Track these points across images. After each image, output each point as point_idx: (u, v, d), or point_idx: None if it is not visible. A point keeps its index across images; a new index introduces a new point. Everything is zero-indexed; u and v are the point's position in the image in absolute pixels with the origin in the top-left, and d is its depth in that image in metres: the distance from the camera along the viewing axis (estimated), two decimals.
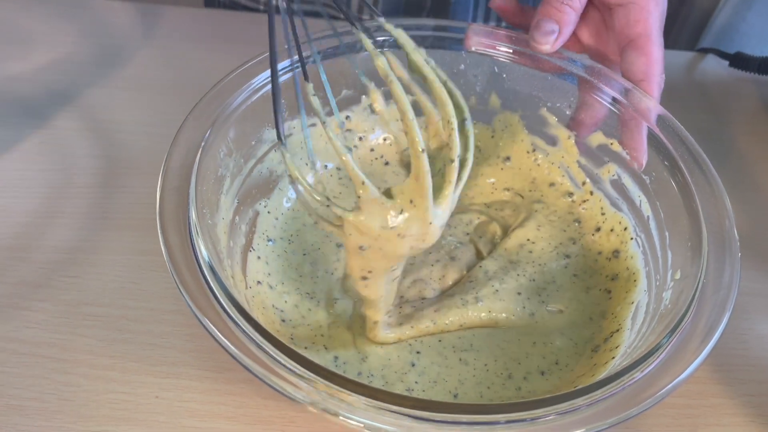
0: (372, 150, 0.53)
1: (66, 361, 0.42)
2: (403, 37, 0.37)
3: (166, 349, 0.43)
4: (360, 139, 0.53)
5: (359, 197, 0.35)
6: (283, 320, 0.43)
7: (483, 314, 0.44)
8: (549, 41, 0.47)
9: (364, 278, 0.39)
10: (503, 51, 0.50)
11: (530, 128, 0.53)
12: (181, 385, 0.41)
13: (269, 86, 0.46)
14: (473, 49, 0.50)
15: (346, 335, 0.43)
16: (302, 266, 0.46)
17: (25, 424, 0.39)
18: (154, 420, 0.40)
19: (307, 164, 0.50)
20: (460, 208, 0.51)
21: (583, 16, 0.49)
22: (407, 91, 0.36)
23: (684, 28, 1.06)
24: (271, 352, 0.33)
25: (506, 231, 0.50)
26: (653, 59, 0.47)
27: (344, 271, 0.46)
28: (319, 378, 0.32)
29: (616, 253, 0.47)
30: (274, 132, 0.48)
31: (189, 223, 0.38)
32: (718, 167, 0.44)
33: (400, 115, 0.35)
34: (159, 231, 0.37)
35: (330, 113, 0.44)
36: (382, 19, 0.38)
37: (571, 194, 0.52)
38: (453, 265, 0.47)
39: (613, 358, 0.40)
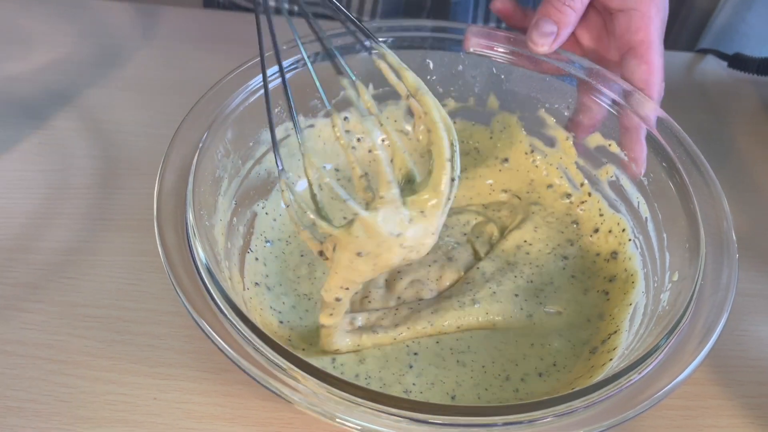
0: (370, 151, 0.53)
1: (64, 363, 0.42)
2: (410, 78, 0.38)
3: (164, 350, 0.43)
4: (358, 140, 0.53)
5: (382, 197, 0.34)
6: (281, 322, 0.43)
7: (480, 316, 0.44)
8: (547, 42, 0.46)
9: (338, 299, 0.38)
10: (502, 52, 0.50)
11: (528, 129, 0.53)
12: (179, 386, 0.41)
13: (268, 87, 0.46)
14: (472, 50, 0.50)
15: None
16: (300, 268, 0.46)
17: (23, 426, 0.39)
18: (151, 422, 0.40)
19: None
20: (458, 209, 0.51)
21: (584, 19, 0.49)
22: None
23: (683, 29, 1.06)
24: (269, 354, 0.33)
25: (503, 232, 0.50)
26: (654, 67, 0.46)
27: None
28: (316, 380, 0.32)
29: (614, 254, 0.47)
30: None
31: (186, 225, 0.38)
32: (716, 168, 0.44)
33: (429, 126, 0.36)
34: (156, 233, 0.37)
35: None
36: (390, 54, 0.39)
37: (569, 195, 0.52)
38: (450, 265, 0.47)
39: (611, 359, 0.40)
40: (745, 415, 0.43)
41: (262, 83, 0.45)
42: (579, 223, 0.50)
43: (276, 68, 0.45)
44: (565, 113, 0.51)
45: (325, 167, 0.52)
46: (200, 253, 0.36)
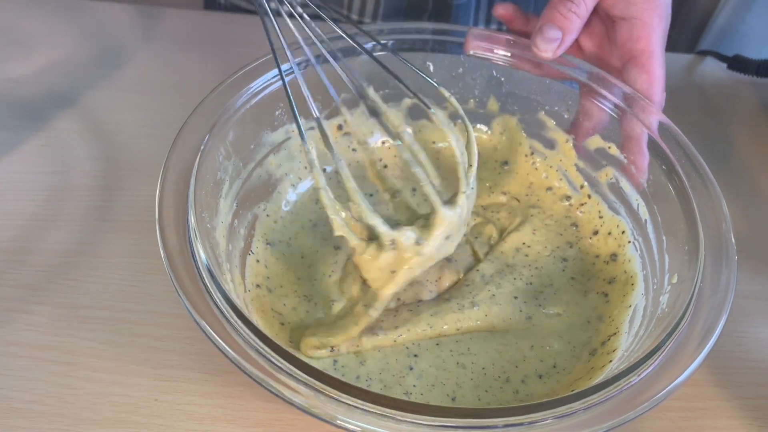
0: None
1: (66, 364, 0.42)
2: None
3: (165, 352, 0.43)
4: (359, 141, 0.53)
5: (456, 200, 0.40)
6: (282, 323, 0.43)
7: (480, 318, 0.44)
8: (551, 48, 0.46)
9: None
10: (502, 55, 0.50)
11: (528, 132, 0.53)
12: (181, 388, 0.42)
13: (269, 89, 0.46)
14: (472, 52, 0.50)
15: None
16: (300, 269, 0.46)
17: (26, 427, 0.39)
18: (153, 423, 0.40)
19: (306, 168, 0.50)
20: None
21: (587, 25, 0.49)
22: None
23: (683, 30, 1.06)
24: (270, 356, 0.33)
25: (502, 233, 0.50)
26: (655, 77, 0.46)
27: (341, 274, 0.46)
28: (317, 382, 0.32)
29: (613, 256, 0.48)
30: (273, 135, 0.48)
31: (188, 227, 0.38)
32: (716, 170, 0.44)
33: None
34: (158, 235, 0.37)
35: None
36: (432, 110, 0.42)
37: (568, 198, 0.52)
38: (449, 266, 0.47)
39: (611, 361, 0.40)
40: (744, 417, 0.43)
41: (263, 86, 0.46)
42: (578, 226, 0.50)
43: (283, 67, 0.46)
44: (565, 116, 0.51)
45: (325, 169, 0.52)
46: (201, 255, 0.37)
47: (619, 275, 0.46)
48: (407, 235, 0.39)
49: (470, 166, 0.42)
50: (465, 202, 0.41)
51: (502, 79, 0.52)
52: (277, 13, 0.41)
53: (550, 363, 0.42)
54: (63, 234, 0.49)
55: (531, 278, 0.47)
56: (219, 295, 0.35)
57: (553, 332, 0.44)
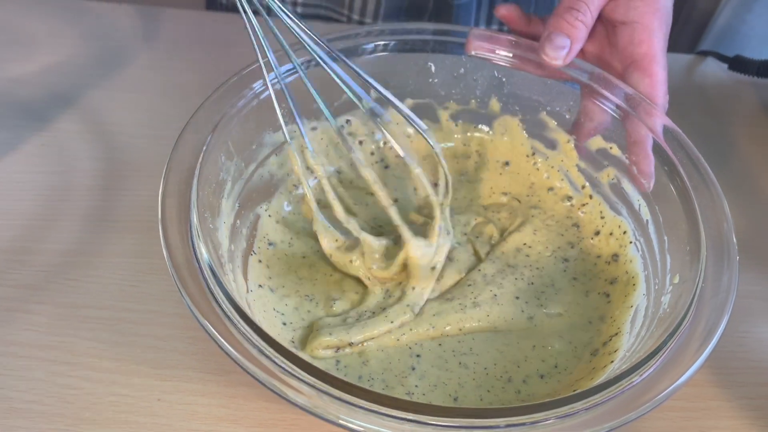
0: (372, 153, 0.53)
1: (67, 364, 0.42)
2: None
3: (167, 351, 0.43)
4: (360, 143, 0.53)
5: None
6: (284, 323, 0.43)
7: (482, 319, 0.44)
8: (560, 56, 0.46)
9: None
10: (504, 55, 0.50)
11: (530, 132, 0.53)
12: (183, 388, 0.42)
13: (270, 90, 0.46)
14: (474, 53, 0.50)
15: None
16: (301, 269, 0.46)
17: (27, 427, 0.39)
18: (155, 423, 0.40)
19: (308, 168, 0.50)
20: (458, 210, 0.51)
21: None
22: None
23: (684, 30, 1.06)
24: (272, 356, 0.33)
25: (503, 233, 0.50)
26: (657, 80, 0.46)
27: (344, 274, 0.46)
28: (320, 382, 0.32)
29: (615, 256, 0.48)
30: (274, 136, 0.48)
31: (190, 227, 0.38)
32: (717, 170, 0.44)
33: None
34: (161, 234, 0.37)
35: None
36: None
37: (570, 198, 0.52)
38: (451, 266, 0.47)
39: (612, 361, 0.40)
40: (745, 417, 0.43)
41: (264, 85, 0.46)
42: (580, 226, 0.51)
43: (275, 72, 0.46)
44: (567, 116, 0.51)
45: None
46: (204, 255, 0.37)
47: (620, 275, 0.46)
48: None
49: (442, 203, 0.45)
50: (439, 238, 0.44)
51: (504, 79, 0.52)
52: (268, 12, 0.41)
53: (551, 363, 0.42)
54: (63, 234, 0.49)
55: (532, 278, 0.47)
56: (221, 295, 0.35)
57: (554, 332, 0.44)
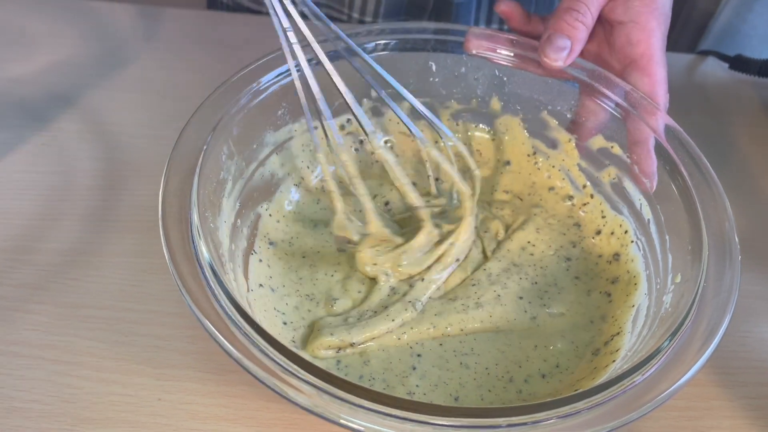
0: (373, 153, 0.53)
1: (68, 364, 0.42)
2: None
3: (167, 351, 0.43)
4: (361, 142, 0.53)
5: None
6: (285, 323, 0.43)
7: (484, 319, 0.44)
8: (561, 57, 0.46)
9: None
10: (504, 54, 0.50)
11: (531, 131, 0.53)
12: (183, 387, 0.42)
13: (272, 89, 0.46)
14: (474, 52, 0.50)
15: None
16: (302, 269, 0.46)
17: (28, 427, 0.39)
18: (155, 422, 0.40)
19: (308, 167, 0.50)
20: None
21: None
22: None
23: (685, 30, 1.06)
24: (273, 356, 0.33)
25: (507, 229, 0.50)
26: (656, 80, 0.46)
27: (344, 274, 0.46)
28: (321, 381, 0.32)
29: (616, 256, 0.48)
30: (275, 135, 0.48)
31: (191, 226, 0.38)
32: (718, 170, 0.44)
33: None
34: (161, 233, 0.37)
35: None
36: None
37: (571, 197, 0.52)
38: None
39: (614, 361, 0.40)
40: (747, 416, 0.43)
41: (266, 86, 0.46)
42: (581, 225, 0.50)
43: (275, 72, 0.46)
44: (568, 115, 0.51)
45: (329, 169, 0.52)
46: (204, 254, 0.36)
47: (622, 275, 0.46)
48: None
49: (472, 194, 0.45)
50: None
51: (505, 78, 0.52)
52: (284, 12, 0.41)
53: (553, 363, 0.42)
54: (64, 233, 0.49)
55: (536, 277, 0.47)
56: (222, 294, 0.35)
57: (556, 332, 0.44)
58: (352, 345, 0.42)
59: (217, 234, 0.41)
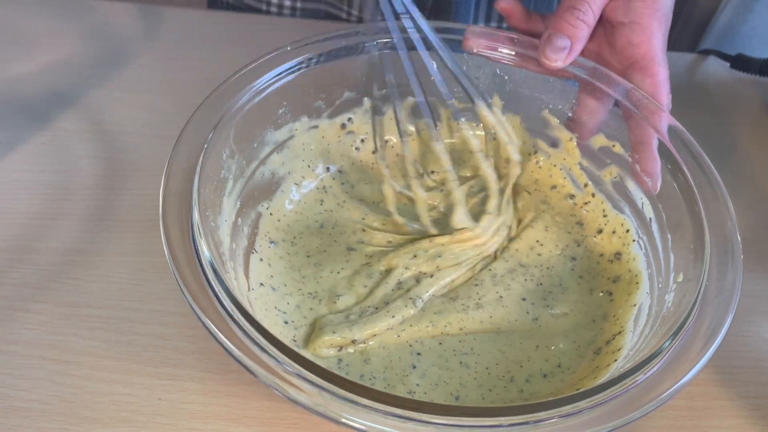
0: (374, 152, 0.53)
1: (68, 363, 0.42)
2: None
3: (168, 350, 0.43)
4: (362, 141, 0.53)
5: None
6: (286, 322, 0.43)
7: (484, 320, 0.44)
8: (561, 57, 0.46)
9: None
10: (505, 53, 0.50)
11: (532, 130, 0.53)
12: (184, 386, 0.41)
13: (272, 87, 0.46)
14: (474, 50, 0.50)
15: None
16: (305, 268, 0.46)
17: (28, 426, 0.39)
18: (156, 422, 0.40)
19: (309, 166, 0.50)
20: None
21: None
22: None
23: (685, 29, 1.06)
24: (274, 355, 0.33)
25: (519, 222, 0.50)
26: (659, 80, 0.46)
27: (352, 271, 0.46)
28: (322, 380, 0.32)
29: (618, 255, 0.47)
30: (276, 134, 0.48)
31: (192, 225, 0.38)
32: (719, 169, 0.44)
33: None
34: (162, 232, 0.37)
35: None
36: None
37: (572, 196, 0.52)
38: None
39: (616, 360, 0.40)
40: (748, 416, 0.43)
41: (266, 84, 0.46)
42: (583, 224, 0.50)
43: (276, 71, 0.46)
44: (569, 114, 0.51)
45: (329, 169, 0.52)
46: (205, 253, 0.36)
47: (623, 274, 0.46)
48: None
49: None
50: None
51: (506, 77, 0.52)
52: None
53: (554, 362, 0.42)
54: (64, 233, 0.49)
55: (542, 278, 0.47)
56: (223, 293, 0.35)
57: (559, 332, 0.44)
58: (353, 342, 0.41)
59: (218, 233, 0.41)
